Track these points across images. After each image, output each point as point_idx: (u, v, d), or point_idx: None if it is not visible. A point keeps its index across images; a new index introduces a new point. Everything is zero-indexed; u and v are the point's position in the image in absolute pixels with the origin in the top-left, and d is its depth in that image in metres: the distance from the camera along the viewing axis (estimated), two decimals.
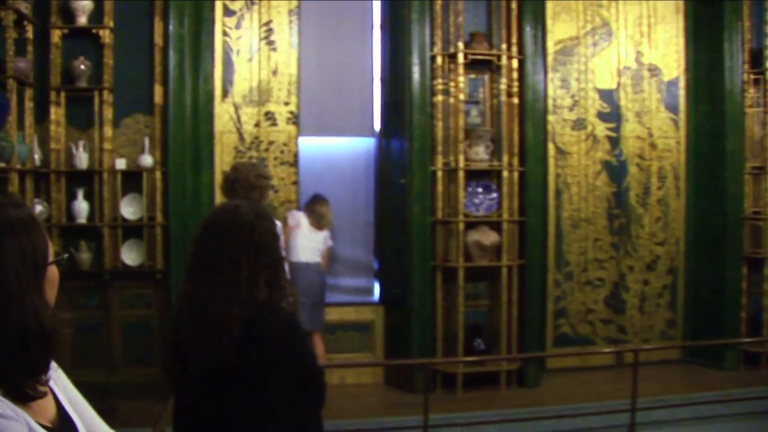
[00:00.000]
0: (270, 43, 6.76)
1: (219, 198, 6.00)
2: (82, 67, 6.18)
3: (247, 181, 4.62)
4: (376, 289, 7.31)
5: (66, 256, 5.83)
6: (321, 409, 2.56)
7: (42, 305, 1.49)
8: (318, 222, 6.32)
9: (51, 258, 1.57)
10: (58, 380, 1.68)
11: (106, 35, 6.20)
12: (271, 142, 6.76)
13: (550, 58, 7.31)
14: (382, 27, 7.09)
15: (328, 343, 6.86)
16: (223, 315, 2.30)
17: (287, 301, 2.46)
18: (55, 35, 6.13)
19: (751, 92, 7.45)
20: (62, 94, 6.18)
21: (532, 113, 6.85)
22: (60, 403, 1.64)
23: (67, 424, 1.63)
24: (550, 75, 7.32)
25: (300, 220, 6.33)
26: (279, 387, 2.37)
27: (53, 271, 1.58)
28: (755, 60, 7.45)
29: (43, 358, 1.51)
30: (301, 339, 2.50)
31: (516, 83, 6.77)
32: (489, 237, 6.64)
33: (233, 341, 2.29)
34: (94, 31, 6.19)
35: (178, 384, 2.51)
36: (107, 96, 6.24)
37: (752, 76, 7.43)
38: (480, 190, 6.76)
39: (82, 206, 6.21)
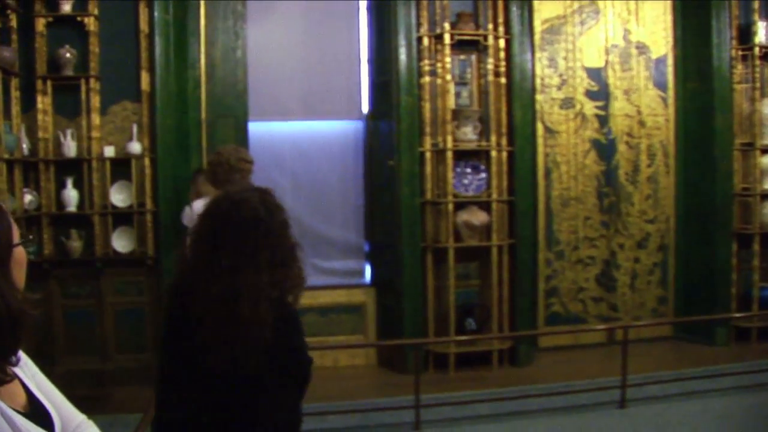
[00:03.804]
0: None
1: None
2: (68, 55, 6.16)
3: (228, 164, 4.63)
4: (367, 271, 7.32)
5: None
6: (303, 396, 2.57)
7: (8, 287, 1.48)
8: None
9: (16, 240, 1.57)
10: (26, 367, 1.67)
11: (91, 23, 6.18)
12: None
13: (537, 38, 7.30)
14: (369, 8, 7.06)
15: (321, 326, 6.91)
16: (254, 317, 2.26)
17: (293, 293, 2.45)
18: (40, 23, 6.11)
19: (740, 68, 7.45)
20: (48, 83, 6.16)
21: (519, 93, 6.85)
22: (29, 389, 1.64)
23: (39, 409, 1.63)
24: (537, 54, 7.31)
25: None
26: (281, 382, 2.39)
27: (20, 253, 1.58)
28: (743, 36, 7.45)
29: (11, 340, 1.48)
30: (301, 334, 2.50)
31: (503, 63, 6.77)
32: (478, 217, 6.66)
33: (265, 344, 2.27)
34: (78, 18, 6.17)
35: (177, 383, 2.44)
36: (94, 84, 6.22)
37: (740, 53, 7.44)
38: (469, 170, 6.78)
39: (71, 195, 6.21)
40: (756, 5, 7.30)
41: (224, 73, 6.68)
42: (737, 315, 7.37)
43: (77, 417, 1.80)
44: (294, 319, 2.45)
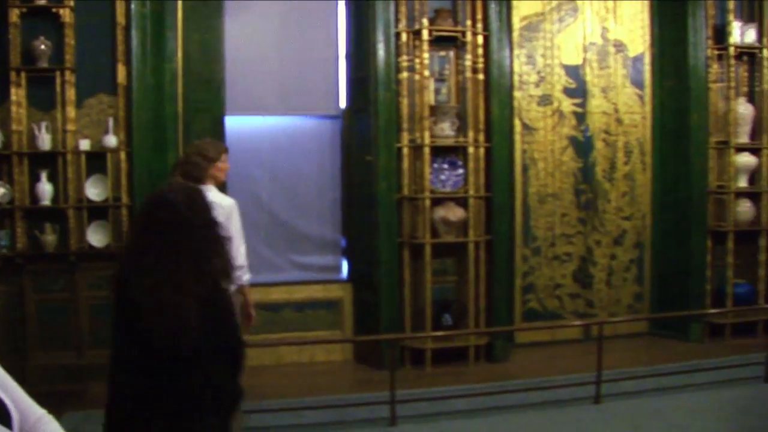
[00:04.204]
0: None
1: None
2: (43, 47, 6.10)
3: (187, 158, 4.62)
4: (344, 266, 7.30)
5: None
6: (239, 377, 2.75)
7: None
8: None
9: None
10: None
11: (66, 14, 6.11)
12: None
13: (515, 35, 7.33)
14: (347, 4, 7.04)
15: (297, 321, 6.92)
16: (181, 310, 2.48)
17: (225, 281, 2.67)
18: (14, 14, 6.02)
19: (715, 68, 7.51)
20: (23, 75, 6.09)
21: (497, 89, 6.86)
22: None
23: None
24: (516, 51, 7.34)
25: None
26: (214, 361, 2.58)
27: None
28: (719, 35, 7.52)
29: None
30: (233, 318, 2.74)
31: (481, 59, 6.78)
32: (455, 213, 6.67)
33: (194, 330, 2.49)
34: (54, 10, 6.10)
35: (128, 364, 2.62)
36: (69, 76, 6.15)
37: (716, 52, 7.50)
38: (446, 166, 6.79)
39: (45, 188, 6.15)
40: (731, 5, 7.37)
41: (201, 68, 6.64)
42: (711, 311, 7.44)
43: (36, 412, 1.78)
44: (226, 305, 2.69)
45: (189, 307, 2.48)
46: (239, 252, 4.36)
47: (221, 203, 4.31)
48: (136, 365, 2.58)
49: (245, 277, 4.63)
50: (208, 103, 6.65)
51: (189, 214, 2.59)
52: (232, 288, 4.28)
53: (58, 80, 6.13)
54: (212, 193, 4.40)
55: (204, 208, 2.67)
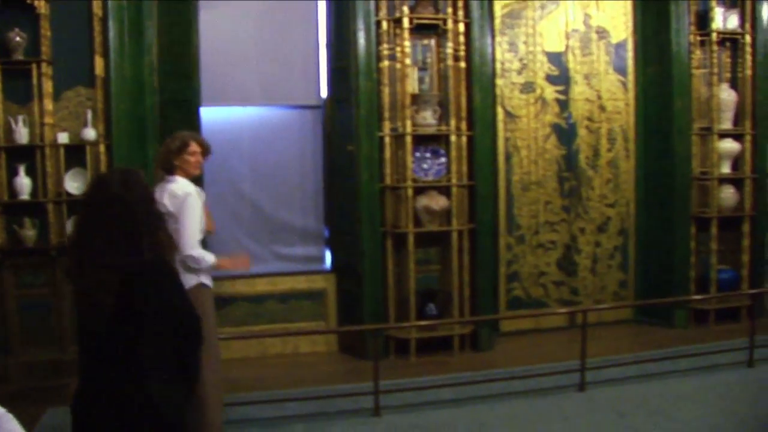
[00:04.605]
0: None
1: None
2: (18, 39, 6.00)
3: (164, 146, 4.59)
4: (327, 257, 7.28)
5: None
6: (199, 349, 2.79)
7: None
8: None
9: None
10: None
11: (42, 6, 6.01)
12: None
13: (497, 22, 7.29)
14: None
15: (281, 312, 6.89)
16: (96, 285, 2.56)
17: (170, 256, 2.77)
18: None
19: (698, 54, 7.50)
20: None
21: (479, 77, 6.82)
22: None
23: None
24: (498, 38, 7.31)
25: None
26: (157, 333, 2.61)
27: None
28: (701, 21, 7.50)
29: None
30: (179, 292, 2.76)
31: (463, 47, 6.74)
32: (438, 202, 6.65)
33: (107, 306, 2.55)
34: (29, 1, 5.99)
35: (81, 333, 2.74)
36: (46, 68, 6.06)
37: (698, 38, 7.48)
38: (428, 155, 6.75)
39: (24, 182, 6.07)
40: None
41: (178, 58, 6.57)
42: (695, 297, 7.45)
43: None
44: (169, 280, 2.72)
45: (108, 283, 2.53)
46: (186, 242, 4.23)
47: (175, 193, 4.29)
48: (81, 346, 2.70)
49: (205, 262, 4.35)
50: (183, 95, 6.58)
51: (122, 191, 2.65)
52: (192, 282, 4.26)
53: (34, 73, 6.03)
54: (175, 184, 4.37)
55: (139, 186, 2.73)
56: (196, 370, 2.80)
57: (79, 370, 2.72)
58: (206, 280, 4.38)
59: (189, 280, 4.22)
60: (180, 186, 4.35)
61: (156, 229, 2.71)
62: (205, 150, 4.57)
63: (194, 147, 4.49)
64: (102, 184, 2.74)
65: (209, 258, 4.30)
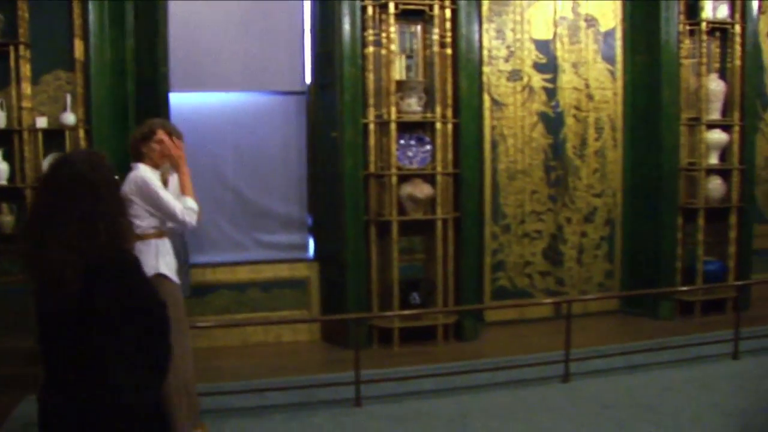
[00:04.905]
0: None
1: None
2: None
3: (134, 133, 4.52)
4: (311, 245, 7.19)
5: None
6: (168, 338, 2.67)
7: None
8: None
9: None
10: None
11: None
12: None
13: (485, 8, 7.21)
14: None
15: (263, 301, 6.82)
16: (61, 264, 2.42)
17: (128, 244, 2.63)
18: None
19: (687, 43, 7.43)
20: None
21: (465, 64, 6.73)
22: None
23: None
24: (485, 25, 7.22)
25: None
26: (121, 325, 2.48)
27: None
28: (691, 11, 7.44)
29: None
30: (139, 279, 2.64)
31: (449, 34, 6.65)
32: (423, 190, 6.57)
33: (73, 287, 2.43)
34: None
35: (41, 322, 2.62)
36: (24, 51, 5.95)
37: (688, 27, 7.41)
38: (413, 142, 6.67)
39: (1, 167, 5.98)
40: None
41: (149, 43, 6.46)
42: (681, 289, 7.41)
43: None
44: (129, 265, 2.61)
45: (73, 262, 2.43)
46: (174, 212, 4.20)
47: (133, 179, 4.25)
48: (42, 336, 2.60)
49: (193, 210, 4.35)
50: (152, 80, 6.47)
51: (87, 170, 2.56)
52: (150, 272, 4.17)
53: (11, 55, 5.92)
54: (135, 171, 4.30)
55: (104, 168, 2.63)
56: (165, 359, 2.69)
57: (41, 361, 2.61)
58: (166, 270, 4.30)
59: (148, 271, 4.16)
60: (139, 172, 4.29)
61: (117, 215, 2.60)
62: (176, 137, 4.47)
63: (161, 135, 4.40)
64: (66, 163, 2.62)
65: (191, 204, 4.30)
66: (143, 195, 4.20)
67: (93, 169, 2.57)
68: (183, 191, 4.38)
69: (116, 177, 2.71)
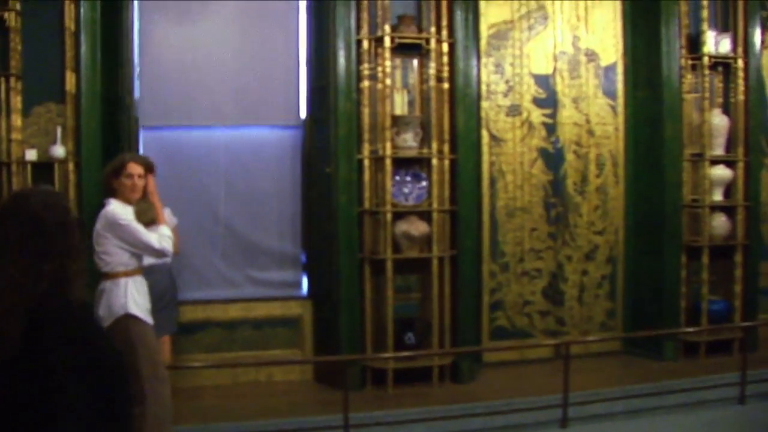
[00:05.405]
0: None
1: None
2: None
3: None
4: (304, 282, 7.03)
5: None
6: (126, 388, 2.47)
7: None
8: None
9: None
10: None
11: (12, 18, 5.86)
12: None
13: (483, 42, 7.12)
14: (308, 10, 6.80)
15: (255, 339, 6.66)
16: (9, 307, 2.24)
17: (80, 290, 2.41)
18: None
19: (689, 78, 7.32)
20: None
21: (463, 99, 6.61)
22: None
23: None
24: (483, 60, 7.13)
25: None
26: (66, 381, 2.25)
27: None
28: (692, 45, 7.34)
29: None
30: (88, 327, 2.45)
31: (446, 68, 6.54)
32: (418, 227, 6.42)
33: (13, 333, 2.22)
34: None
35: None
36: (15, 83, 5.89)
37: (690, 62, 7.31)
38: (409, 178, 6.54)
39: None
40: (705, 15, 7.18)
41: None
42: (686, 330, 7.21)
43: None
44: (75, 313, 2.40)
45: (16, 307, 2.25)
46: (149, 244, 4.16)
47: (103, 214, 4.30)
48: None
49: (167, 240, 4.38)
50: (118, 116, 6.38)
51: (39, 210, 2.40)
52: (120, 312, 4.07)
53: (3, 87, 5.87)
54: (107, 207, 4.32)
55: (59, 209, 2.47)
56: (124, 410, 2.50)
57: None
58: (135, 310, 4.17)
59: (117, 310, 4.10)
60: (110, 207, 4.25)
61: (67, 260, 2.42)
62: (148, 168, 4.40)
63: (132, 168, 4.32)
64: (20, 200, 2.48)
65: (166, 232, 4.32)
66: (114, 231, 4.14)
67: (47, 207, 2.43)
68: (157, 221, 4.36)
69: (75, 218, 2.55)
